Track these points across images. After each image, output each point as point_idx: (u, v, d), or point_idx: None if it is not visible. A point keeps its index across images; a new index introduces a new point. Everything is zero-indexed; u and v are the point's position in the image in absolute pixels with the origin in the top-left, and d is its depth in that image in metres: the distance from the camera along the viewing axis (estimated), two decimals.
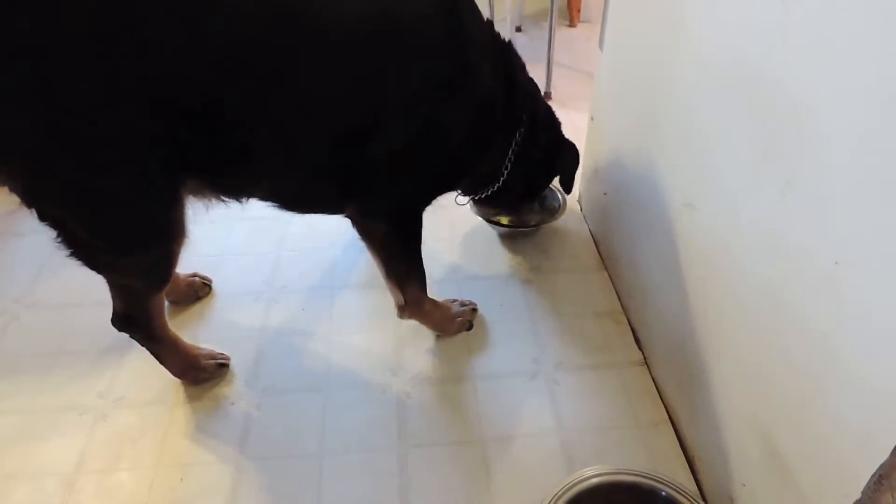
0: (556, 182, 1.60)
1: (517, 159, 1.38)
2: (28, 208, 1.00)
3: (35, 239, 1.73)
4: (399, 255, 1.31)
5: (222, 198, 1.15)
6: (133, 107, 0.90)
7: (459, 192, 1.52)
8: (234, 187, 1.14)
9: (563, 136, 1.50)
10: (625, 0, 1.43)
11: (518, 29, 2.91)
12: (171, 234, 1.08)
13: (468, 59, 1.15)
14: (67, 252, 1.06)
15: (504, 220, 1.71)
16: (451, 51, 1.12)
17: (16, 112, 0.86)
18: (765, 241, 0.88)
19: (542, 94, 1.45)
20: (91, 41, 0.84)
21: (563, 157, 1.51)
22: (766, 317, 0.89)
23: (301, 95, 1.01)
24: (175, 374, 1.32)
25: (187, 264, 1.48)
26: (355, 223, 1.27)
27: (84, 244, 1.04)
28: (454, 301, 1.47)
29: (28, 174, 0.94)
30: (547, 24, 2.41)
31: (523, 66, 1.35)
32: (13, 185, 0.96)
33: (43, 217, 1.01)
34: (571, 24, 2.99)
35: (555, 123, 1.47)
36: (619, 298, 1.52)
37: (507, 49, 1.28)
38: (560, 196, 1.75)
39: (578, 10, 3.00)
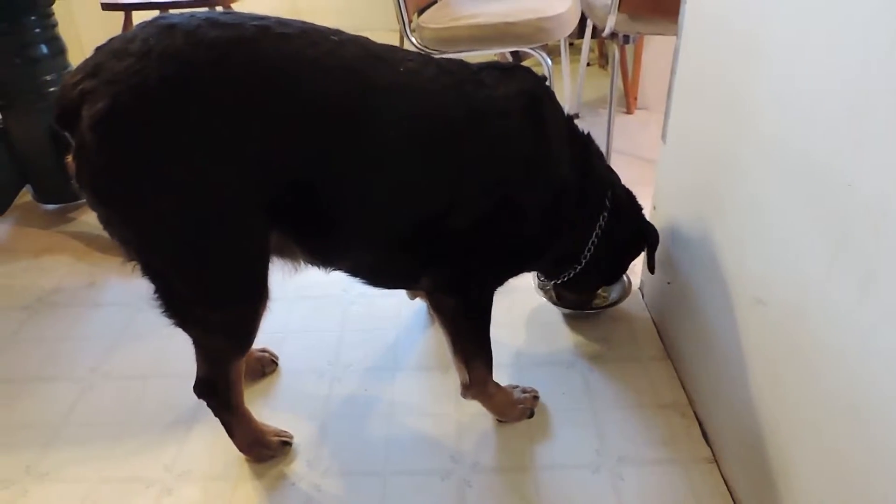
0: None
1: (599, 243, 1.42)
2: (132, 260, 1.10)
3: (112, 311, 1.82)
4: (468, 332, 1.33)
5: (310, 262, 1.25)
6: (252, 174, 1.03)
7: (539, 276, 1.55)
8: (323, 253, 1.24)
9: (644, 218, 1.53)
10: (687, 93, 1.47)
11: (576, 115, 2.98)
12: (259, 291, 1.15)
13: (547, 145, 1.23)
14: (162, 309, 1.14)
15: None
16: (530, 138, 1.21)
17: (156, 177, 0.99)
18: (844, 342, 0.86)
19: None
20: (231, 125, 0.99)
21: (647, 239, 1.53)
22: (848, 423, 0.86)
23: (390, 179, 1.13)
24: (241, 449, 1.34)
25: (255, 340, 1.53)
26: (429, 296, 1.32)
27: (179, 298, 1.13)
28: (516, 387, 1.46)
29: (148, 226, 1.04)
30: (604, 112, 2.48)
31: (601, 155, 1.42)
32: (127, 235, 1.07)
33: (146, 269, 1.10)
34: (628, 112, 3.05)
35: (636, 208, 1.51)
36: (684, 390, 1.49)
37: (586, 140, 1.36)
38: (625, 279, 1.75)
39: (635, 98, 3.07)
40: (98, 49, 1.01)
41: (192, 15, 1.02)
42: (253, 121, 1.00)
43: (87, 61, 0.99)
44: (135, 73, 0.94)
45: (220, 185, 1.01)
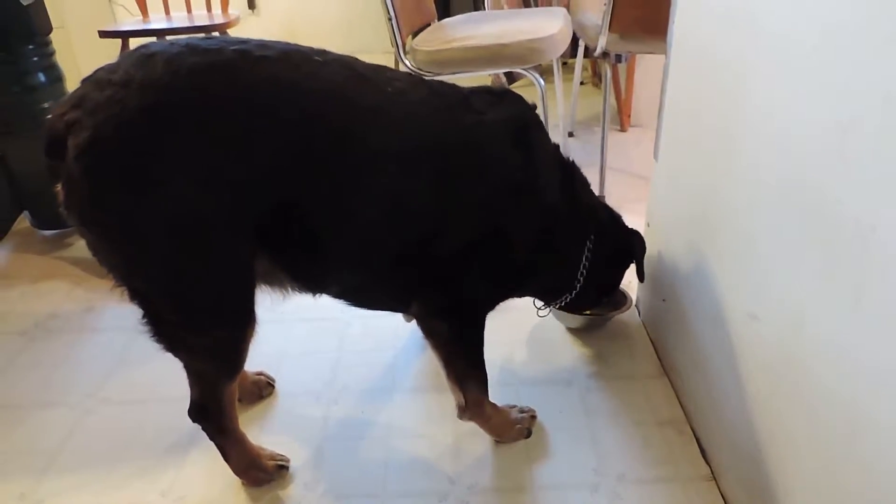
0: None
1: (591, 266, 1.42)
2: (120, 286, 1.11)
3: (110, 336, 1.82)
4: (461, 356, 1.33)
5: (297, 287, 1.24)
6: (234, 199, 1.03)
7: (539, 302, 1.56)
8: (308, 277, 1.23)
9: (626, 227, 1.52)
10: (677, 112, 1.49)
11: (570, 134, 3.00)
12: (244, 315, 1.15)
13: (535, 172, 1.24)
14: (150, 333, 1.14)
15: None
16: (519, 164, 1.21)
17: (139, 205, 0.99)
18: (837, 357, 0.86)
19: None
20: (211, 150, 1.00)
21: (633, 249, 1.51)
22: (845, 438, 0.86)
23: (375, 203, 1.12)
24: (237, 473, 1.33)
25: (251, 362, 1.53)
26: (419, 321, 1.32)
27: (166, 323, 1.13)
28: (513, 407, 1.46)
29: (132, 252, 1.05)
30: (598, 130, 2.50)
31: (586, 182, 1.43)
32: (113, 261, 1.08)
33: (133, 294, 1.11)
34: (622, 129, 3.07)
35: (618, 222, 1.51)
36: (681, 407, 1.49)
37: (571, 167, 1.37)
38: (622, 293, 1.75)
39: (629, 116, 3.09)
40: (84, 80, 1.02)
41: (172, 42, 1.03)
42: (233, 146, 1.00)
43: (73, 93, 1.01)
44: (115, 102, 0.95)
45: (202, 212, 1.02)
